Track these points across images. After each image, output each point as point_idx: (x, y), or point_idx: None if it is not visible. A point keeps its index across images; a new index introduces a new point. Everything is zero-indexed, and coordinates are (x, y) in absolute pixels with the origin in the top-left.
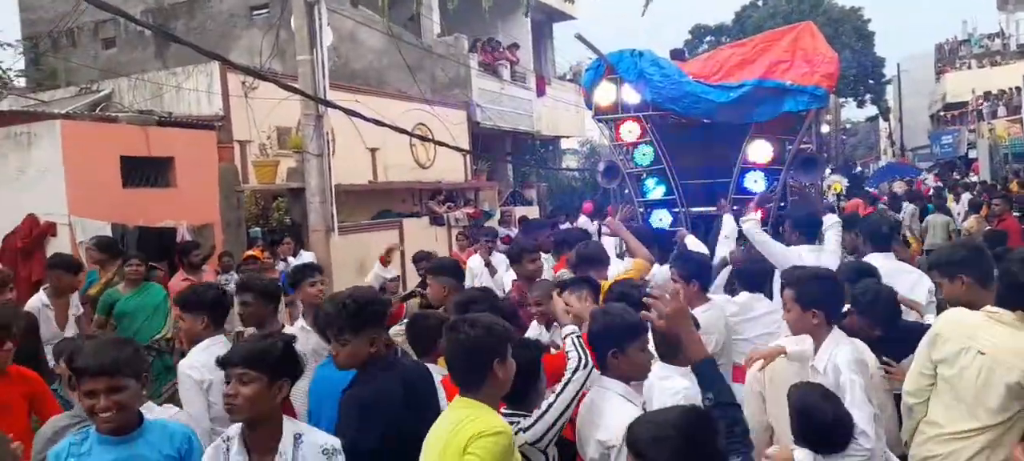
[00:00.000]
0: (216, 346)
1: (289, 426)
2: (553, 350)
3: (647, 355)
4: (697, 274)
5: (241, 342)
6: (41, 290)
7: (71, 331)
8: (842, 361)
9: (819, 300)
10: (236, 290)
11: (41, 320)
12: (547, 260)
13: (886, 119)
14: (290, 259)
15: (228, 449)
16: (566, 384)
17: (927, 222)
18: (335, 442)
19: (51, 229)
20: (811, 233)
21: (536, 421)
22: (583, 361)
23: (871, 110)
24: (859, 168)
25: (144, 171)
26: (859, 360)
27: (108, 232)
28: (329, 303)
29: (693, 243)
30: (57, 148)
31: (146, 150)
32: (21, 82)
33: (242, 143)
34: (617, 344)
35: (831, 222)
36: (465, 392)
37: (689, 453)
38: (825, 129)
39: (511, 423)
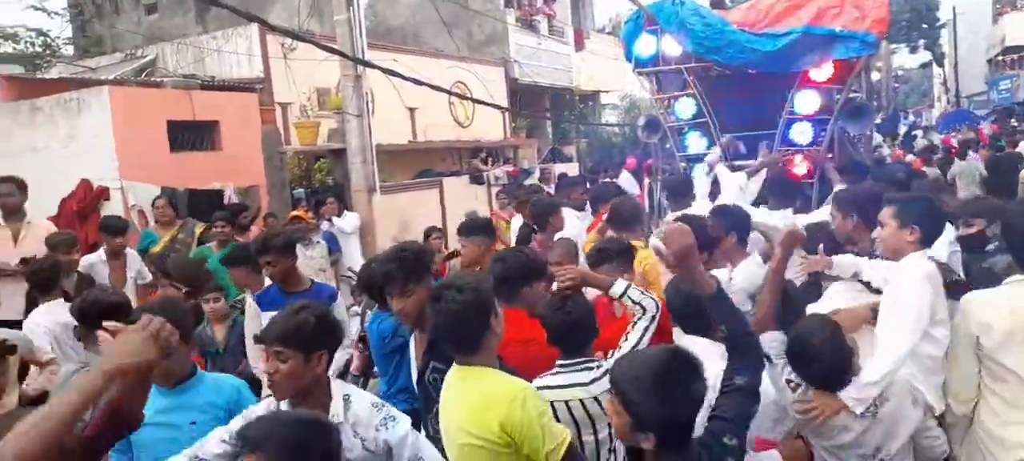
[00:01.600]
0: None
1: (338, 388)
2: None
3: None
4: (735, 226)
5: (275, 317)
6: (101, 249)
7: (130, 292)
8: (913, 268)
9: (919, 219)
10: (256, 252)
11: (94, 275)
12: (584, 217)
13: (940, 65)
14: (335, 220)
15: None
16: (645, 331)
17: (952, 172)
18: (377, 399)
19: (105, 193)
20: (787, 199)
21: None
22: (657, 306)
23: (925, 56)
24: (911, 117)
25: (190, 135)
26: (933, 275)
27: (158, 195)
28: (383, 262)
29: (724, 176)
30: (106, 114)
31: (191, 114)
32: (69, 50)
33: (283, 105)
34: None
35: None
36: (464, 358)
37: (661, 393)
38: (876, 76)
39: (586, 369)
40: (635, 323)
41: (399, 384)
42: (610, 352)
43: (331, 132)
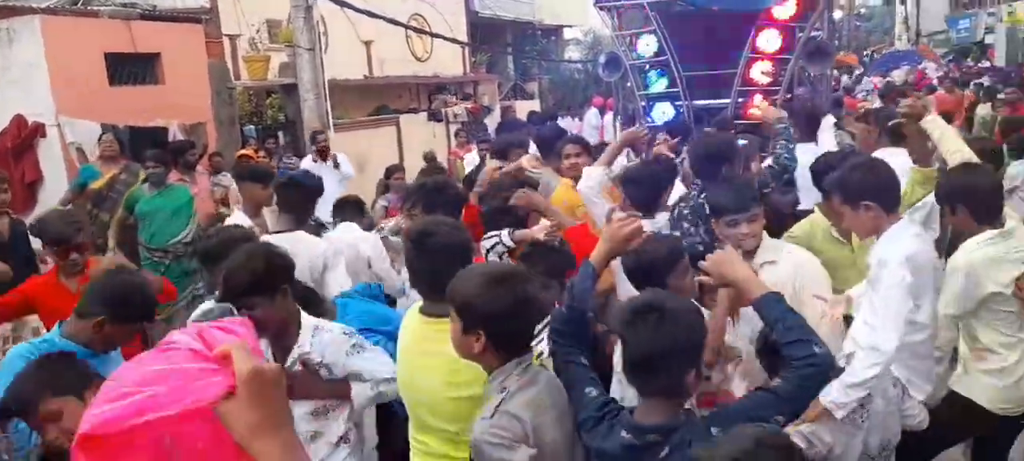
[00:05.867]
0: None
1: (309, 322)
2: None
3: (689, 282)
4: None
5: (225, 275)
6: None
7: None
8: (892, 253)
9: (866, 192)
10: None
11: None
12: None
13: (902, 2)
14: (342, 165)
15: None
16: None
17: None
18: (350, 328)
19: (40, 130)
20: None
21: None
22: None
23: None
24: (869, 53)
25: (130, 68)
26: (912, 257)
27: (98, 132)
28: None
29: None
30: (39, 45)
31: (131, 46)
32: None
33: (231, 37)
34: (654, 281)
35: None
36: (434, 306)
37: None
38: (838, 15)
39: None
40: None
41: None
42: None
43: (282, 66)
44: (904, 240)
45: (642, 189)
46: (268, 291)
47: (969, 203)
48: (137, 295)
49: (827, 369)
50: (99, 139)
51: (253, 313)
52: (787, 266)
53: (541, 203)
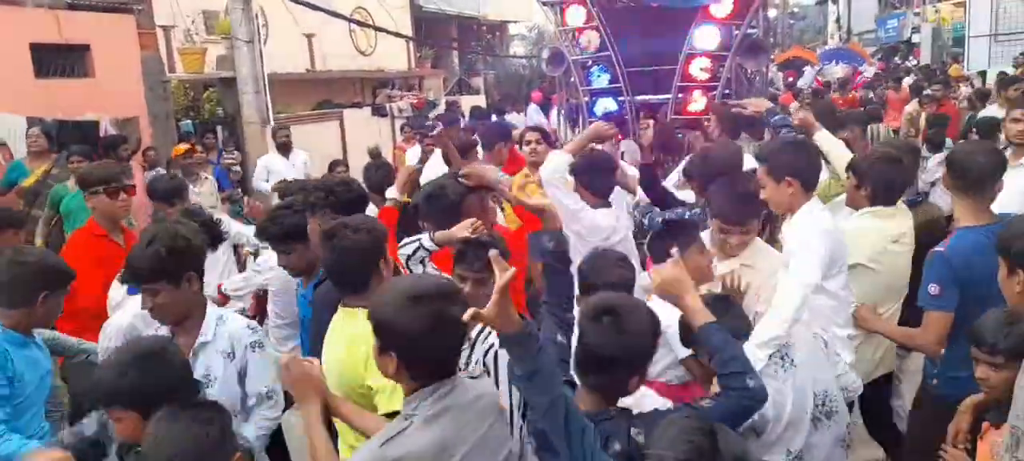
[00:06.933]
0: None
1: (213, 310)
2: None
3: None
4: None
5: (129, 258)
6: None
7: None
8: (808, 229)
9: (792, 169)
10: None
11: None
12: None
13: (834, 2)
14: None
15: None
16: None
17: None
18: (255, 323)
19: None
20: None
21: None
22: None
23: None
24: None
25: (58, 60)
26: (827, 231)
27: (24, 127)
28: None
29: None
30: None
31: (58, 36)
32: None
33: (165, 28)
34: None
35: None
36: (351, 299)
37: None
38: (772, 13)
39: None
40: None
41: None
42: None
43: (220, 59)
44: (815, 215)
45: (598, 178)
46: (173, 277)
47: (872, 184)
48: (56, 259)
49: (758, 403)
50: (26, 134)
51: (156, 298)
52: (764, 269)
53: (492, 177)
